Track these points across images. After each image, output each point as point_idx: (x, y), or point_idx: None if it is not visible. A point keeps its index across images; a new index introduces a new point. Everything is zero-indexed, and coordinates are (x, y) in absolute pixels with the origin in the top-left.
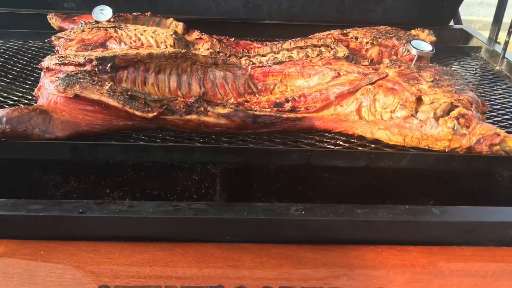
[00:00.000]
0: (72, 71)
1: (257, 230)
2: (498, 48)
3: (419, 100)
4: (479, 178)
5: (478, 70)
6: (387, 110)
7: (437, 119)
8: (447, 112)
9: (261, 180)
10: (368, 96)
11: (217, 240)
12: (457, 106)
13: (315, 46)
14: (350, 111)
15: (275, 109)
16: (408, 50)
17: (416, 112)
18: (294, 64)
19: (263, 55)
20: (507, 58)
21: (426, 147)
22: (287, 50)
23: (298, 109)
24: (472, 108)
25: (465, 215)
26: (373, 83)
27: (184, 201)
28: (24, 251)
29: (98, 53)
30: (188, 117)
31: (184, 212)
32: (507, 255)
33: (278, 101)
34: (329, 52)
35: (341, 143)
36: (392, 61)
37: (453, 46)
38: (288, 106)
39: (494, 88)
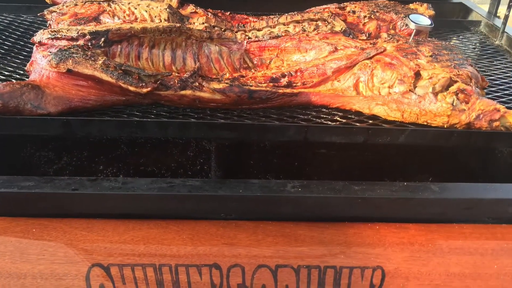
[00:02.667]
0: (64, 46)
1: (253, 207)
2: (498, 22)
3: (417, 75)
4: (479, 155)
5: (477, 44)
6: (385, 85)
7: (436, 94)
8: (446, 87)
9: (257, 157)
10: (366, 71)
11: (212, 218)
12: (456, 81)
13: (312, 20)
14: (348, 86)
15: (271, 84)
16: (407, 24)
17: (415, 87)
18: (291, 38)
19: (259, 30)
20: (507, 33)
21: (425, 123)
22: (284, 24)
23: (294, 84)
24: (471, 83)
25: (464, 192)
26: (370, 58)
27: (178, 177)
28: (16, 228)
29: (91, 27)
30: (183, 92)
31: (179, 189)
32: (507, 232)
33: (274, 76)
34: (326, 26)
35: (338, 118)
36: (390, 36)
37: (452, 20)
38: (284, 81)
39: (493, 63)
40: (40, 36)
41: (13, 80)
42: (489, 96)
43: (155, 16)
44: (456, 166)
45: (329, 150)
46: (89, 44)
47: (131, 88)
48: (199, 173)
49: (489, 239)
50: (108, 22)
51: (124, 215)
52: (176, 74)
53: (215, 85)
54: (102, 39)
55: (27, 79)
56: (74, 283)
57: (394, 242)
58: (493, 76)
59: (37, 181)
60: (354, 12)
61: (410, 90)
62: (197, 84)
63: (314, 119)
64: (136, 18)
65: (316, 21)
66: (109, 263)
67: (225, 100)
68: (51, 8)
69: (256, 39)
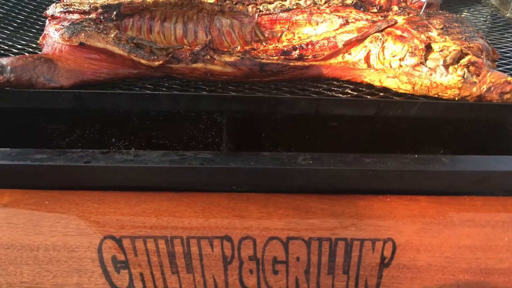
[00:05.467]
0: (77, 19)
1: (264, 179)
2: None
3: (428, 48)
4: (490, 127)
5: (488, 17)
6: (396, 58)
7: (446, 67)
8: (457, 60)
9: (268, 129)
10: (377, 43)
11: (224, 190)
12: (467, 54)
13: None
14: (359, 59)
15: (282, 57)
16: None
17: (426, 60)
18: (302, 11)
19: (270, 2)
20: None
21: (436, 96)
22: None
23: (305, 57)
24: (482, 56)
25: (475, 164)
26: (381, 31)
27: (190, 150)
28: (28, 201)
29: (103, 1)
30: (194, 65)
31: (190, 162)
32: None
33: (285, 49)
34: None
35: (349, 91)
36: (401, 8)
37: None
38: (295, 54)
39: (504, 36)
40: (53, 9)
41: (26, 53)
42: (500, 68)
43: None
44: (467, 139)
45: (340, 123)
46: (101, 17)
47: (143, 61)
48: (211, 145)
49: (500, 212)
50: None
51: (136, 188)
52: (188, 47)
53: (227, 58)
54: (114, 13)
55: (39, 52)
56: (86, 255)
57: (405, 215)
58: (504, 48)
59: (49, 154)
60: None
61: (421, 63)
62: (208, 57)
63: (325, 92)
64: None
65: None
66: (121, 235)
67: (237, 73)
68: None
69: (267, 12)
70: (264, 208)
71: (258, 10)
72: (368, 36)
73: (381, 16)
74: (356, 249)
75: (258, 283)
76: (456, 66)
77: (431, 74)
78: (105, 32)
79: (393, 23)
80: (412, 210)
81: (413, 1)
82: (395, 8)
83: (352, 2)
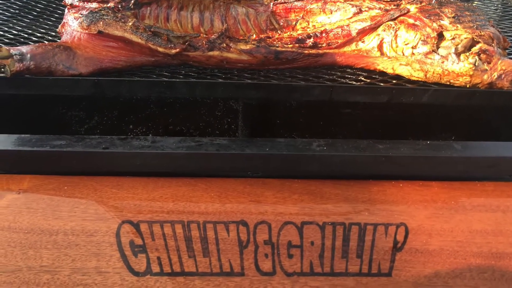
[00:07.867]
0: (95, 8)
1: (279, 165)
2: None
3: (440, 36)
4: (501, 114)
5: (499, 6)
6: (408, 46)
7: (458, 54)
8: (469, 48)
9: (283, 116)
10: (390, 32)
11: (240, 176)
12: (478, 42)
13: None
14: (372, 47)
15: (297, 45)
16: None
17: (438, 48)
18: (316, 0)
19: None
20: None
21: (448, 83)
22: None
23: (320, 45)
24: (493, 44)
25: (486, 150)
26: (394, 19)
27: (206, 136)
28: (48, 186)
29: None
30: (211, 53)
31: (207, 148)
32: None
33: (300, 37)
34: None
35: (362, 78)
36: None
37: None
38: (310, 42)
39: None
40: None
41: (45, 41)
42: (511, 56)
43: None
44: (478, 125)
45: (353, 110)
46: (119, 6)
47: (160, 49)
48: (227, 132)
49: (511, 197)
50: None
51: (153, 173)
52: (204, 36)
53: (242, 46)
54: (132, 1)
55: (59, 40)
56: (104, 239)
57: (417, 200)
58: None
59: (68, 140)
60: None
61: (433, 51)
62: (224, 45)
63: (339, 79)
64: None
65: None
66: (138, 220)
67: (252, 61)
68: None
69: (282, 1)
70: (279, 193)
71: None
72: (381, 24)
73: (394, 5)
74: (370, 233)
75: (273, 267)
76: (467, 54)
77: (443, 62)
78: (123, 20)
79: (405, 11)
80: (424, 195)
81: None
82: None
83: None
